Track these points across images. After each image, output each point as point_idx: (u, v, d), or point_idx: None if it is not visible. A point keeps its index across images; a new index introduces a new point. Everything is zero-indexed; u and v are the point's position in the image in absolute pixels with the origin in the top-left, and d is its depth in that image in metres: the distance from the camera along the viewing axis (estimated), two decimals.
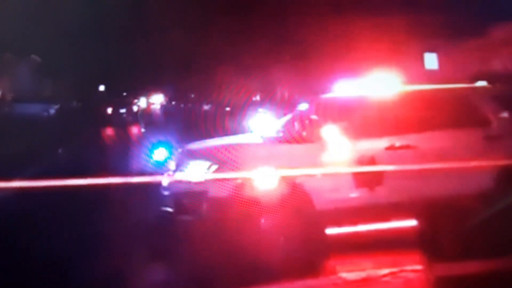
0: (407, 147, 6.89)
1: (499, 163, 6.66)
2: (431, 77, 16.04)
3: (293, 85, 21.69)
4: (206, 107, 29.44)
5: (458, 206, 6.58)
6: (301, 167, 6.61)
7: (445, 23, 16.64)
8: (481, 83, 7.83)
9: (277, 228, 6.50)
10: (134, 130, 28.65)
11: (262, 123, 14.05)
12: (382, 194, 6.66)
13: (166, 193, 7.06)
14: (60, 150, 17.60)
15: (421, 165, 6.43)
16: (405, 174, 6.53)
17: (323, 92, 8.40)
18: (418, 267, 5.78)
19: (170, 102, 42.09)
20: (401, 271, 5.48)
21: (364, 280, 5.38)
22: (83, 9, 21.94)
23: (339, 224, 6.56)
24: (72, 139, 19.39)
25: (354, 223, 6.58)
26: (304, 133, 7.25)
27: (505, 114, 7.19)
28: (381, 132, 6.91)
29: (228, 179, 6.60)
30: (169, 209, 6.94)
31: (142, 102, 45.21)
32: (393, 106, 7.11)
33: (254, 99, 25.11)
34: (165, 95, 42.60)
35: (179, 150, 7.76)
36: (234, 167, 6.64)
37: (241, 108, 20.20)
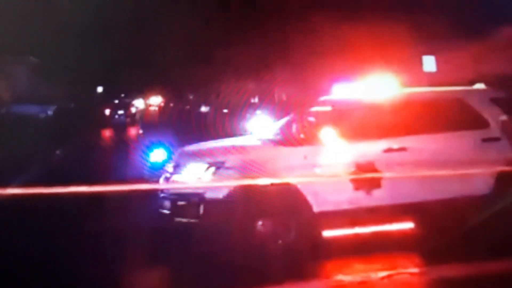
0: (405, 149, 6.89)
1: (498, 165, 6.67)
2: (429, 79, 16.04)
3: (291, 88, 21.68)
4: (204, 109, 29.44)
5: (455, 208, 6.58)
6: (299, 170, 6.60)
7: (444, 25, 16.64)
8: (479, 86, 7.84)
9: (274, 230, 6.50)
10: (132, 131, 28.67)
11: (260, 125, 14.06)
12: (379, 196, 6.66)
13: (163, 195, 7.05)
14: (58, 152, 17.58)
15: (417, 173, 6.42)
16: (402, 177, 6.54)
17: (321, 94, 8.40)
18: (415, 269, 5.78)
19: (168, 104, 42.04)
20: (398, 273, 5.49)
21: (361, 283, 5.39)
22: (81, 11, 21.94)
23: (336, 226, 6.56)
24: (70, 141, 19.37)
25: (351, 225, 6.58)
26: (301, 136, 7.25)
27: (503, 117, 7.20)
28: (379, 135, 6.91)
29: (225, 181, 6.60)
30: (166, 211, 6.93)
31: (140, 104, 45.22)
32: (391, 109, 7.11)
33: (252, 101, 25.10)
34: (163, 97, 42.55)
35: (177, 151, 7.75)
36: (232, 170, 6.64)
37: (239, 110, 20.21)
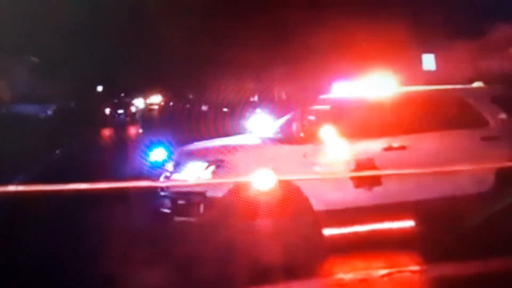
0: (404, 148, 6.90)
1: (497, 164, 6.67)
2: (428, 78, 16.04)
3: (291, 86, 21.68)
4: (204, 108, 29.43)
5: (455, 206, 6.59)
6: (299, 168, 6.61)
7: (443, 24, 16.65)
8: (479, 84, 7.84)
9: (274, 229, 6.50)
10: (132, 130, 28.67)
11: (260, 124, 14.06)
12: (379, 194, 6.66)
13: (163, 193, 7.05)
14: (57, 151, 17.60)
15: (418, 170, 6.42)
16: (403, 175, 6.53)
17: (321, 93, 8.40)
18: (416, 267, 5.79)
19: (168, 103, 42.04)
20: (399, 271, 5.49)
21: (362, 281, 5.39)
22: (81, 10, 21.94)
23: (336, 225, 6.56)
24: (70, 140, 19.41)
25: (352, 224, 6.58)
26: (301, 134, 7.25)
27: (503, 115, 7.20)
28: (378, 133, 6.92)
29: (225, 180, 6.60)
30: (166, 210, 6.93)
31: (140, 103, 45.24)
32: (391, 107, 7.11)
33: (252, 99, 25.12)
34: (163, 96, 42.57)
35: (177, 150, 7.75)
36: (232, 168, 6.64)
37: (239, 109, 20.22)
